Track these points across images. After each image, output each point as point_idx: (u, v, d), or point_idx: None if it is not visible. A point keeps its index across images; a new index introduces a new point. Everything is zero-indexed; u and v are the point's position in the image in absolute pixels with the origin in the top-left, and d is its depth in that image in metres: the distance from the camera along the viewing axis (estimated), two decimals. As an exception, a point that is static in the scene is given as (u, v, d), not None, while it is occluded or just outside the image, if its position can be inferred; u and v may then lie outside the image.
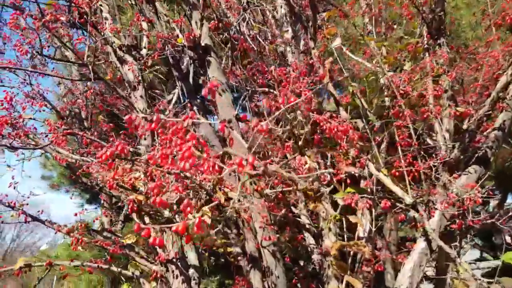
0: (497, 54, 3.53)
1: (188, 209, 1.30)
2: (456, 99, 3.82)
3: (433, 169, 3.56)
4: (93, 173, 3.10)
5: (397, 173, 3.32)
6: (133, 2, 3.11)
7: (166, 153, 1.52)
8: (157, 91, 5.19)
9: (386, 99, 4.52)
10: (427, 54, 4.00)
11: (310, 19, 3.83)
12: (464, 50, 5.04)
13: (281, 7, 3.91)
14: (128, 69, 3.09)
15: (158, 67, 3.62)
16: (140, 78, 3.19)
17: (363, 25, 4.97)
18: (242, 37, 3.41)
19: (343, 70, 4.16)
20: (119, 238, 3.26)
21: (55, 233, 3.08)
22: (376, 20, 4.72)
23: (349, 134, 2.39)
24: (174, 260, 3.10)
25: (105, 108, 4.85)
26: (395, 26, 5.14)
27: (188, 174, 1.58)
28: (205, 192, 2.14)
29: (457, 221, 2.73)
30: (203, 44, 2.92)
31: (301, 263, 5.56)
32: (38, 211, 3.26)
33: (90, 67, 2.61)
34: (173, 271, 3.10)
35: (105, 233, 3.56)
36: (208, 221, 2.81)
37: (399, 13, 4.74)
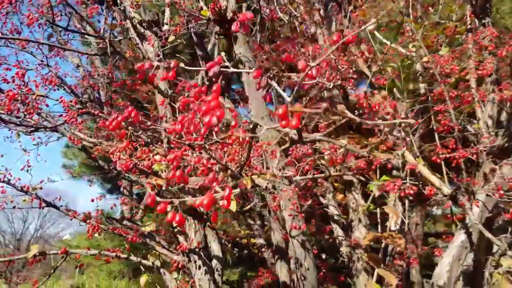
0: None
1: (214, 184, 1.08)
2: (501, 82, 3.51)
3: (475, 157, 3.27)
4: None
5: (438, 160, 3.04)
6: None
7: (187, 120, 1.30)
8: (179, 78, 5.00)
9: (421, 85, 4.22)
10: (469, 35, 3.69)
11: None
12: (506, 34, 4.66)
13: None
14: (149, 44, 2.89)
15: (180, 44, 3.40)
16: (161, 56, 2.99)
17: (399, 9, 4.67)
18: (272, 8, 3.16)
19: (377, 53, 3.89)
20: (137, 226, 3.08)
21: (70, 219, 2.92)
22: (412, 4, 4.40)
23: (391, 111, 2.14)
24: (197, 250, 2.91)
25: (125, 92, 4.69)
26: (431, 9, 4.79)
27: (212, 154, 1.35)
28: (230, 176, 1.92)
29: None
30: (229, 17, 2.70)
31: (323, 256, 5.33)
32: (56, 198, 3.11)
33: (107, 40, 2.41)
34: (195, 262, 2.90)
35: (124, 222, 3.40)
36: (234, 208, 2.57)
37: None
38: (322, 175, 2.63)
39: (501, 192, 2.50)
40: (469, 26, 3.77)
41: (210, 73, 0.84)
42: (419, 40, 3.62)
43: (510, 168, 3.12)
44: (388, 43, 3.94)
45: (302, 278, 2.54)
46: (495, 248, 3.20)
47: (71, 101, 2.52)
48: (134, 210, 4.21)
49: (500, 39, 4.73)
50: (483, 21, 3.63)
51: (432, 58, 3.43)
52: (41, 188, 2.71)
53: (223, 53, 0.95)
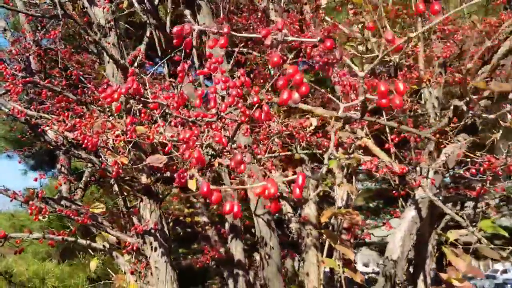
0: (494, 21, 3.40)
1: (242, 166, 0.99)
2: (447, 66, 3.71)
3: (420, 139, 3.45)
4: (53, 131, 2.65)
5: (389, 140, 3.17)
6: None
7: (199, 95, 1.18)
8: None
9: (366, 66, 4.34)
10: (419, 19, 3.83)
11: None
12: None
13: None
14: (100, 9, 2.61)
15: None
16: (113, 22, 2.73)
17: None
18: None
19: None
20: (88, 207, 2.86)
21: (11, 201, 2.62)
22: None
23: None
24: (153, 231, 2.76)
25: (59, 61, 4.27)
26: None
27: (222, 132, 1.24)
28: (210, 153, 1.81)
29: (477, 187, 2.60)
30: (192, -15, 2.52)
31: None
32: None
33: (57, 1, 2.14)
34: (151, 243, 2.76)
35: (63, 202, 3.13)
36: (194, 187, 2.45)
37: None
38: (289, 153, 2.61)
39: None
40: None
41: (268, 42, 0.74)
42: (365, 21, 3.67)
43: (453, 147, 3.33)
44: (331, 21, 3.97)
45: (267, 256, 2.52)
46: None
47: (15, 69, 2.21)
48: (74, 189, 3.91)
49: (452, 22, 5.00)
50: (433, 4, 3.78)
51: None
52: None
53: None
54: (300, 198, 0.64)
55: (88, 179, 3.96)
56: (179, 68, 1.21)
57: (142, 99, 1.08)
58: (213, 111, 1.08)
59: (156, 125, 1.74)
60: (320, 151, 2.80)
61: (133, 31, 4.33)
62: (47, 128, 2.54)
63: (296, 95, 0.63)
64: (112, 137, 1.83)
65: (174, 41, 0.80)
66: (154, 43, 3.46)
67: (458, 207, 6.01)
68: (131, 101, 1.13)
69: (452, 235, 3.05)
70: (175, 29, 0.78)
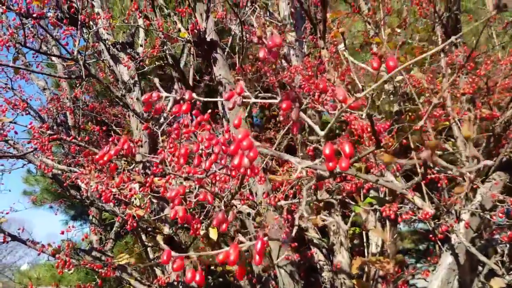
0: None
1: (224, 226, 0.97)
2: (476, 101, 3.58)
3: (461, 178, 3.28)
4: (84, 184, 2.74)
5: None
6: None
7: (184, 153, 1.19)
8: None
9: (395, 105, 4.28)
10: (442, 54, 3.77)
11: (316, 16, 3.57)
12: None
13: (287, 4, 3.64)
14: (124, 67, 2.75)
15: (157, 65, 3.28)
16: (136, 78, 2.86)
17: (364, 30, 4.75)
18: (254, 30, 3.11)
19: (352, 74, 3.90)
20: (111, 259, 2.88)
21: (38, 254, 2.69)
22: (379, 24, 4.48)
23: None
24: (175, 283, 2.74)
25: (94, 115, 4.50)
26: (398, 30, 4.90)
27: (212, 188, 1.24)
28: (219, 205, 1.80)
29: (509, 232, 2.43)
30: (208, 39, 2.62)
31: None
32: (19, 229, 2.87)
33: (81, 63, 2.27)
34: (174, 296, 2.73)
35: (94, 253, 3.18)
36: (215, 237, 2.44)
37: (401, 19, 4.53)
38: (309, 198, 2.55)
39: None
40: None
41: (230, 105, 0.74)
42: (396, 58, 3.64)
43: (487, 188, 3.15)
44: (358, 63, 3.97)
45: (291, 309, 2.42)
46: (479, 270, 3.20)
47: (41, 127, 2.34)
48: (104, 240, 3.98)
49: (471, 57, 4.89)
50: (454, 41, 3.72)
51: (407, 78, 3.47)
52: (6, 221, 2.49)
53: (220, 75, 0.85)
54: (235, 262, 0.61)
55: (119, 229, 4.02)
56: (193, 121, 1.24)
57: (136, 160, 1.10)
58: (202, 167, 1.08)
59: (168, 178, 1.77)
60: (341, 197, 2.72)
61: (162, 84, 4.51)
62: (77, 180, 2.64)
63: (245, 160, 0.62)
64: (126, 191, 1.87)
65: (143, 107, 0.82)
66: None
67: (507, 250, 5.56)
68: (122, 160, 1.15)
69: (496, 282, 2.84)
70: (143, 97, 0.80)
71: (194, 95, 0.79)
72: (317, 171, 0.88)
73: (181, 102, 0.78)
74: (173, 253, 0.69)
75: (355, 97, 0.55)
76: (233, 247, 0.70)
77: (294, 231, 0.77)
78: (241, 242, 0.74)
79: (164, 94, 0.80)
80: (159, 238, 2.38)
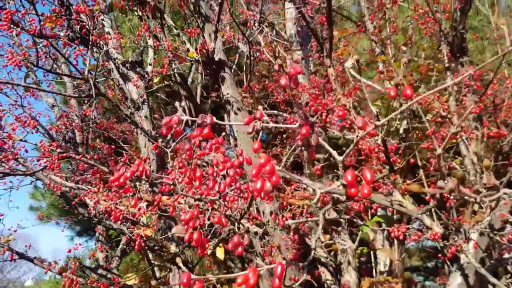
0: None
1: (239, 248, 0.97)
2: (483, 119, 3.59)
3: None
4: (92, 202, 2.74)
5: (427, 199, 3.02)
6: (139, 14, 2.82)
7: (198, 175, 1.20)
8: (156, 116, 4.88)
9: (404, 122, 4.27)
10: (448, 73, 3.79)
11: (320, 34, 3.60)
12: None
13: (294, 23, 3.68)
14: (133, 85, 2.78)
15: (166, 85, 3.32)
16: (145, 96, 2.89)
17: (370, 48, 4.78)
18: (262, 49, 3.15)
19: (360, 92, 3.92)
20: (118, 278, 2.86)
21: (45, 273, 2.69)
22: (385, 42, 4.52)
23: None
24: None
25: (102, 132, 4.53)
26: (404, 48, 4.92)
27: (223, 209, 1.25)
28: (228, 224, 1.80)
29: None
30: (216, 59, 2.65)
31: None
32: (26, 246, 2.87)
33: (91, 81, 2.30)
34: (180, 316, 2.70)
35: (100, 271, 3.16)
36: (221, 256, 2.42)
37: (406, 37, 4.56)
38: (316, 218, 2.54)
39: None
40: (446, 65, 3.86)
41: (250, 129, 0.75)
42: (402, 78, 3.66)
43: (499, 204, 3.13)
44: (365, 80, 3.99)
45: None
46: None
47: (51, 145, 2.36)
48: (110, 258, 3.96)
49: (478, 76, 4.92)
50: (460, 60, 3.73)
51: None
52: (14, 239, 2.49)
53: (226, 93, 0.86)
54: (254, 285, 0.61)
55: (125, 246, 4.01)
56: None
57: (151, 180, 1.10)
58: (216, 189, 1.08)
59: (176, 197, 1.77)
60: (349, 216, 2.70)
61: (169, 101, 4.55)
62: (85, 198, 2.65)
63: (268, 185, 0.62)
64: (134, 210, 1.87)
65: (164, 130, 0.83)
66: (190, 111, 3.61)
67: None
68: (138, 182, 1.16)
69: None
70: (164, 120, 0.81)
71: (214, 119, 0.80)
72: (333, 195, 0.89)
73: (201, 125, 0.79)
74: (192, 276, 0.69)
75: (375, 125, 0.56)
76: (252, 270, 0.70)
77: (310, 257, 0.77)
78: (258, 265, 0.74)
79: (185, 117, 0.81)
80: (178, 260, 2.38)
